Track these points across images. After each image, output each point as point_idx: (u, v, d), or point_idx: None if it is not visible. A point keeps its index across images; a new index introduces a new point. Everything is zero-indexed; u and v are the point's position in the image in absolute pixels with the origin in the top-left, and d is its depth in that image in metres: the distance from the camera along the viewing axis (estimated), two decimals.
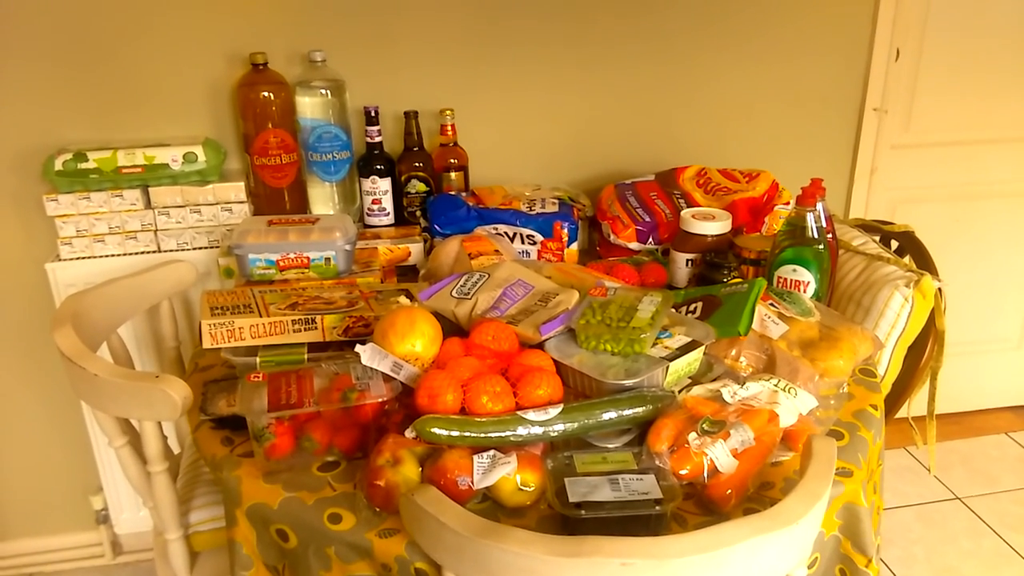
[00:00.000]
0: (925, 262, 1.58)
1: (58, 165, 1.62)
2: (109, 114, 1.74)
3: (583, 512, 0.89)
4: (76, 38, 1.68)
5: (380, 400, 1.04)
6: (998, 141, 2.23)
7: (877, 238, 1.65)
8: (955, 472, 2.34)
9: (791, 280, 1.33)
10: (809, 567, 1.03)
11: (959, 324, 2.39)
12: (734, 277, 1.41)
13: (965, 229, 2.31)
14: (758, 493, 1.00)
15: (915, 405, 1.59)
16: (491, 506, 0.98)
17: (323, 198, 1.79)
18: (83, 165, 1.62)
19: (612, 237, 1.66)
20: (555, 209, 1.65)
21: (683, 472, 0.95)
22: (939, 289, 1.45)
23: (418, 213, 1.78)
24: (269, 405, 1.01)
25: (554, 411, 1.01)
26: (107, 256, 1.70)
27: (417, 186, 1.76)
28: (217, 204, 1.70)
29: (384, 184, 1.73)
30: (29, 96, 1.70)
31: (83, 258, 1.69)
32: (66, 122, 1.73)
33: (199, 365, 1.34)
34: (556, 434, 1.00)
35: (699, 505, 0.98)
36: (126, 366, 1.49)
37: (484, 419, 0.99)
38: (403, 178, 1.76)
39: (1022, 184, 2.30)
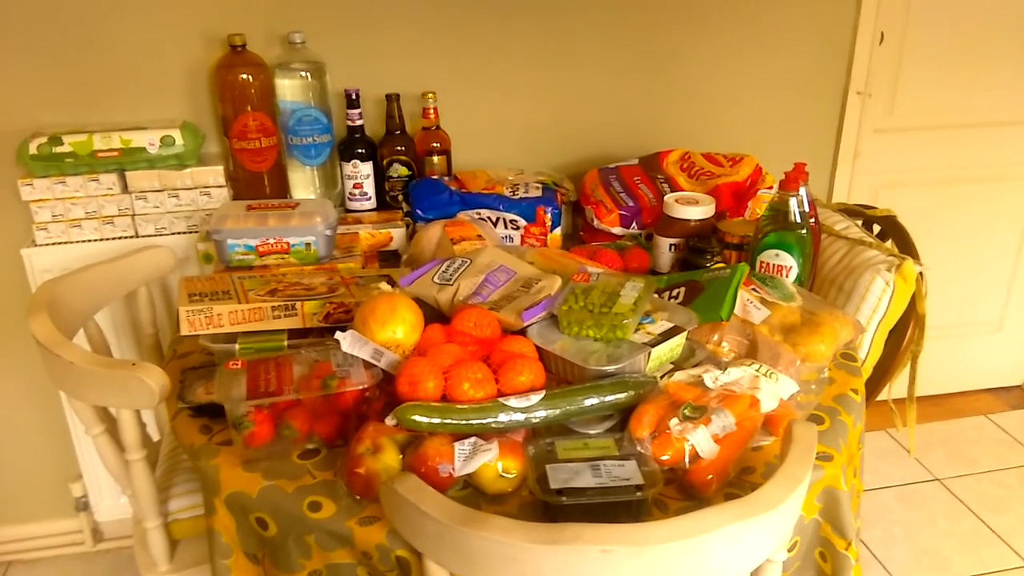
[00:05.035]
0: (907, 246, 1.59)
1: (32, 149, 1.59)
2: (84, 97, 1.71)
3: (564, 498, 0.89)
4: (50, 19, 1.64)
5: (360, 387, 1.03)
6: (981, 125, 2.24)
7: (859, 222, 1.65)
8: (935, 453, 2.37)
9: (773, 265, 1.33)
10: (789, 551, 1.03)
11: (940, 307, 2.41)
12: (717, 262, 1.41)
13: (947, 213, 2.32)
14: (739, 478, 1.00)
15: (895, 388, 1.60)
16: (472, 493, 0.97)
17: (304, 182, 1.77)
18: (58, 149, 1.59)
19: (595, 222, 1.66)
20: (538, 194, 1.64)
21: (664, 458, 0.95)
22: (920, 273, 1.46)
23: (400, 198, 1.76)
24: (248, 393, 1.00)
25: (536, 397, 1.00)
26: (84, 241, 1.67)
27: (399, 170, 1.74)
28: (195, 188, 1.67)
29: (365, 168, 1.72)
30: (2, 79, 1.66)
31: (59, 243, 1.67)
32: (40, 105, 1.70)
33: (177, 352, 1.32)
34: (538, 420, 1.00)
35: (680, 490, 0.98)
36: (103, 353, 1.47)
37: (465, 406, 0.98)
38: (385, 162, 1.74)
39: (1004, 168, 2.31)
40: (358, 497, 0.94)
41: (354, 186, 1.73)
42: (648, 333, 1.11)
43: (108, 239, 1.68)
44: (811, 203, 1.36)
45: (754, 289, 1.24)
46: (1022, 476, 2.27)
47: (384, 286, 1.26)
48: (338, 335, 1.07)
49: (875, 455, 2.36)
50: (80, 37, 1.66)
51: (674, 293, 1.27)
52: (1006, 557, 2.00)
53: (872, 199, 2.22)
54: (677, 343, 1.13)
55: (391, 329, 1.09)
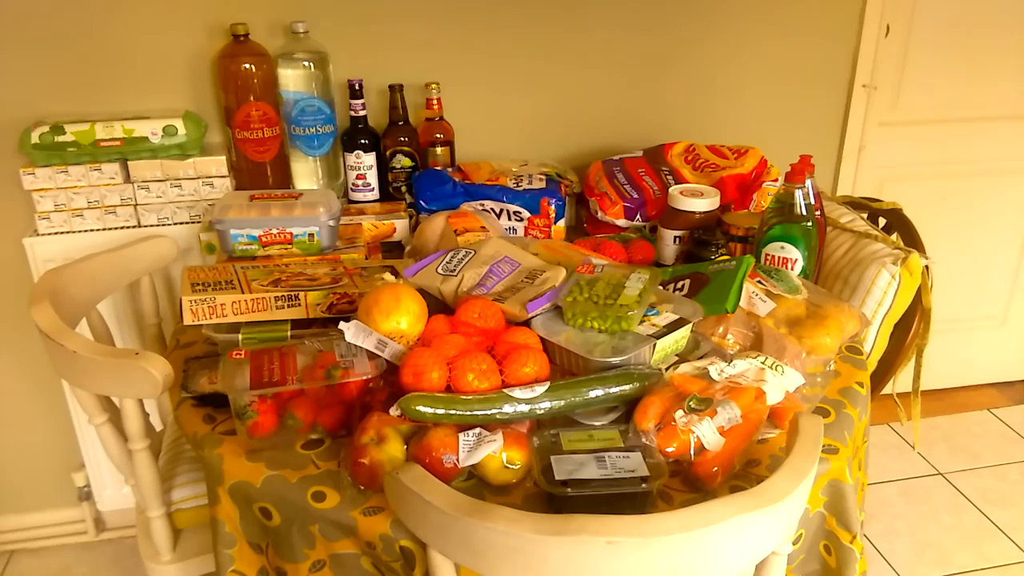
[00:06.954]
0: (912, 240, 1.58)
1: (35, 138, 1.58)
2: (87, 86, 1.70)
3: (569, 490, 0.89)
4: (53, 8, 1.63)
5: (364, 378, 1.03)
6: (986, 119, 2.23)
7: (865, 215, 1.64)
8: (938, 448, 2.36)
9: (779, 257, 1.33)
10: (794, 543, 1.03)
11: (944, 302, 2.40)
12: (722, 254, 1.41)
13: (952, 207, 2.31)
14: (744, 470, 0.99)
15: (900, 382, 1.59)
16: (477, 484, 0.97)
17: (307, 173, 1.76)
18: (60, 138, 1.59)
19: (600, 214, 1.65)
20: (542, 185, 1.63)
21: (670, 450, 0.95)
22: (926, 267, 1.45)
23: (403, 189, 1.75)
24: (251, 383, 1.00)
25: (540, 389, 1.00)
26: (86, 231, 1.67)
27: (402, 161, 1.74)
28: (198, 178, 1.67)
29: (369, 159, 1.71)
30: (4, 67, 1.65)
31: (62, 233, 1.66)
32: (43, 94, 1.69)
33: (180, 342, 1.32)
34: (542, 412, 1.00)
35: (685, 482, 0.97)
36: (106, 343, 1.47)
37: (470, 397, 0.98)
38: (388, 153, 1.73)
39: (1010, 162, 2.30)
40: (362, 487, 0.94)
41: (357, 177, 1.72)
42: (653, 325, 1.11)
43: (110, 229, 1.67)
44: (817, 196, 1.36)
45: (759, 281, 1.24)
46: None
47: (388, 276, 1.26)
48: (342, 325, 1.06)
49: (878, 449, 2.36)
50: (83, 26, 1.66)
51: (679, 285, 1.26)
52: (1009, 551, 2.00)
53: (877, 192, 2.22)
54: (682, 335, 1.13)
55: (395, 319, 1.08)
